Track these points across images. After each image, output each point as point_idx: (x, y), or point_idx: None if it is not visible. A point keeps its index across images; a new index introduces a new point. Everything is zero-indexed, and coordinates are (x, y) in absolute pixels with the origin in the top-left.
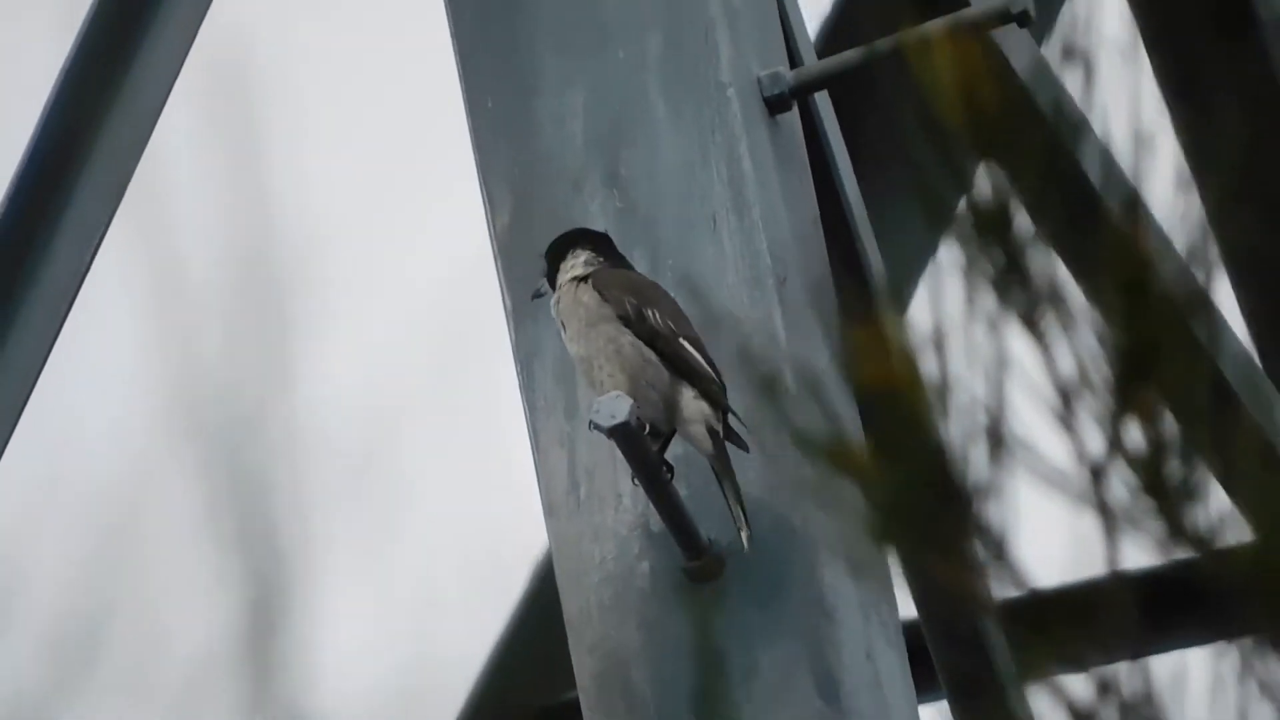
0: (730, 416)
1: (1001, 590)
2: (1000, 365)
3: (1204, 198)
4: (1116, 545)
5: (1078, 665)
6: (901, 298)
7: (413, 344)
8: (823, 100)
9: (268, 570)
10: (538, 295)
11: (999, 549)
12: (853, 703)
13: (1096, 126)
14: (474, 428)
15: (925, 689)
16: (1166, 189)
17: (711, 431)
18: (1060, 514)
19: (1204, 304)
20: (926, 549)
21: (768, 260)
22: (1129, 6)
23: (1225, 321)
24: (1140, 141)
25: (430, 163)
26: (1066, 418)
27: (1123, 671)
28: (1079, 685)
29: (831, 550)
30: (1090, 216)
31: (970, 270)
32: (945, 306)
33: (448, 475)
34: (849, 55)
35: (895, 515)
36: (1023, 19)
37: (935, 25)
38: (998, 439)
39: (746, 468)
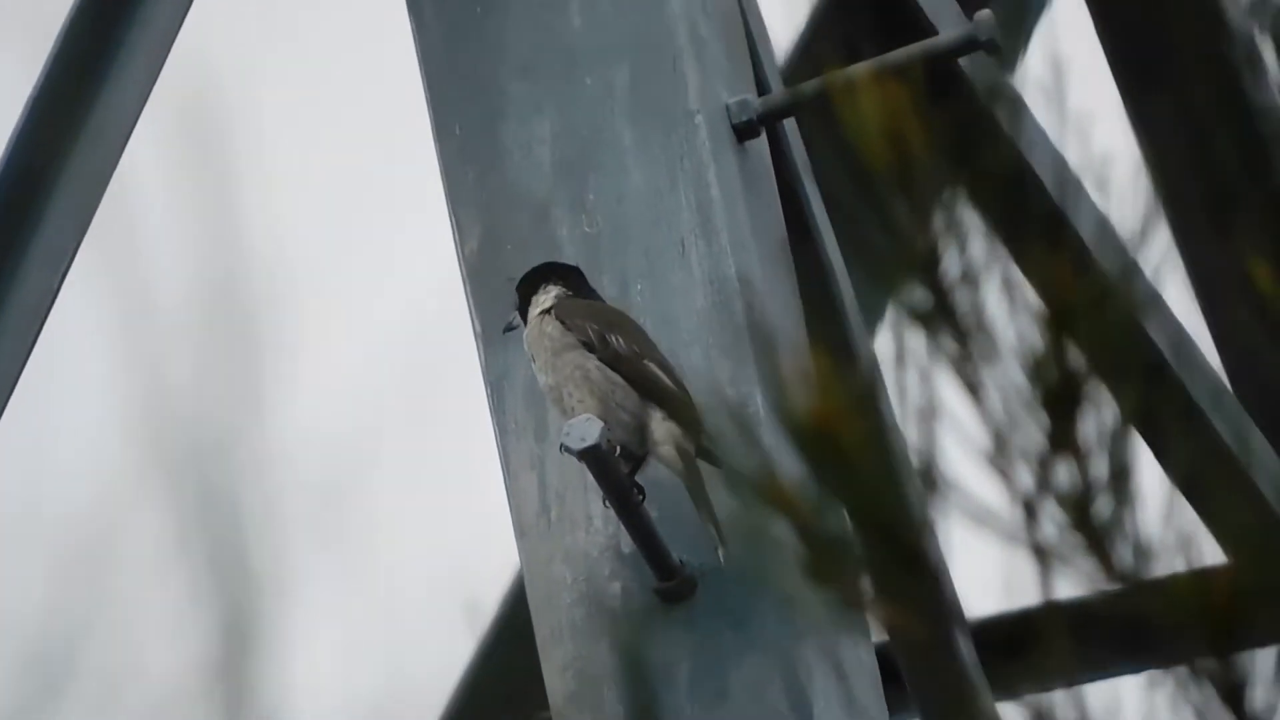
0: (705, 433)
1: (940, 625)
2: (931, 409)
3: (1162, 207)
4: (1050, 580)
5: (1013, 694)
6: (871, 323)
7: (383, 369)
8: (791, 127)
9: (239, 594)
10: (510, 328)
11: (935, 584)
12: None
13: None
14: (446, 452)
15: (898, 709)
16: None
17: (682, 451)
18: (994, 548)
19: (1138, 331)
20: (865, 588)
21: (736, 285)
22: (1095, 27)
23: (1189, 340)
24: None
25: (400, 189)
26: (998, 460)
27: (1058, 700)
28: (1015, 713)
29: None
30: (1027, 233)
31: (900, 312)
32: (879, 350)
33: (419, 499)
34: (817, 82)
35: (829, 554)
36: (990, 46)
37: (860, 68)
38: (930, 480)
39: (718, 487)
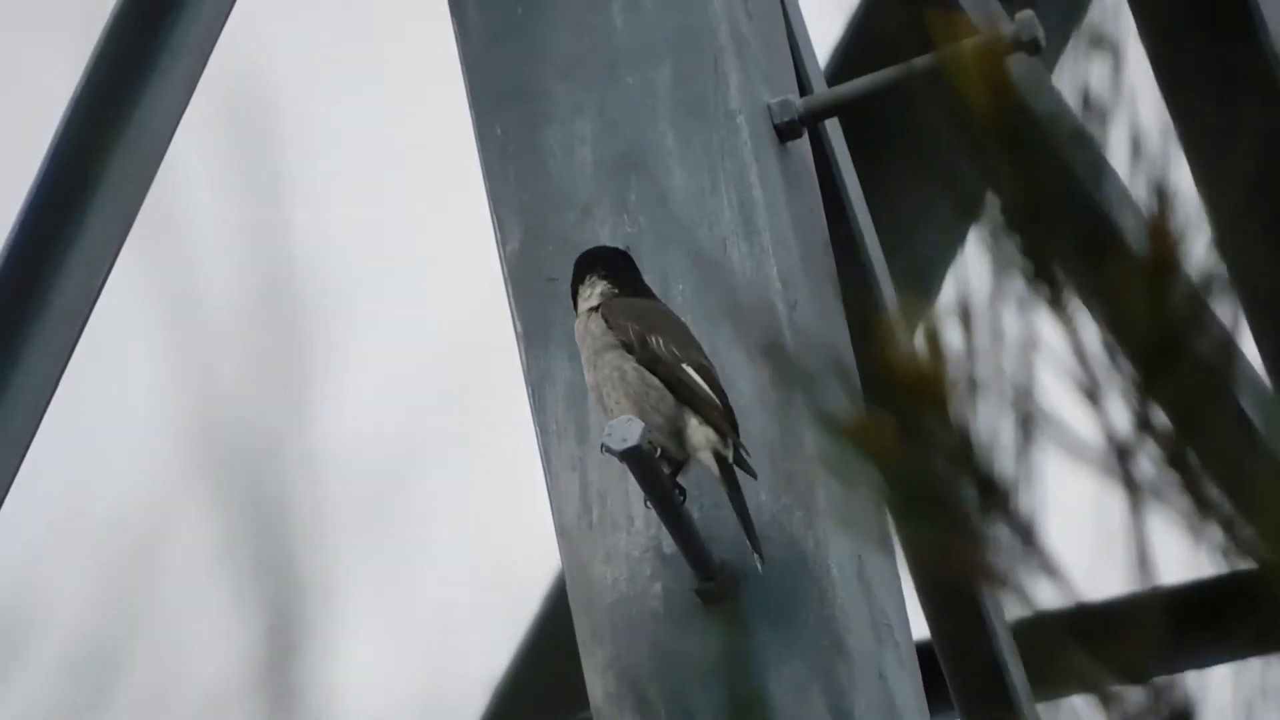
0: (739, 442)
1: (1028, 580)
2: (1028, 344)
3: (1209, 205)
4: (1143, 522)
5: (1114, 679)
6: (914, 318)
7: (430, 370)
8: (833, 127)
9: (286, 596)
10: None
11: (1027, 535)
12: None
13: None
14: (493, 454)
15: (939, 710)
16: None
17: (719, 457)
18: (1086, 500)
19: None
20: (947, 535)
21: (778, 285)
22: (1131, 14)
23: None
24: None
25: (449, 191)
26: (1094, 394)
27: (1156, 686)
28: (1115, 697)
29: (840, 571)
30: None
31: (998, 256)
32: (972, 291)
33: (466, 500)
34: (859, 82)
35: (918, 497)
36: (1033, 46)
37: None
38: (1026, 416)
39: (758, 490)
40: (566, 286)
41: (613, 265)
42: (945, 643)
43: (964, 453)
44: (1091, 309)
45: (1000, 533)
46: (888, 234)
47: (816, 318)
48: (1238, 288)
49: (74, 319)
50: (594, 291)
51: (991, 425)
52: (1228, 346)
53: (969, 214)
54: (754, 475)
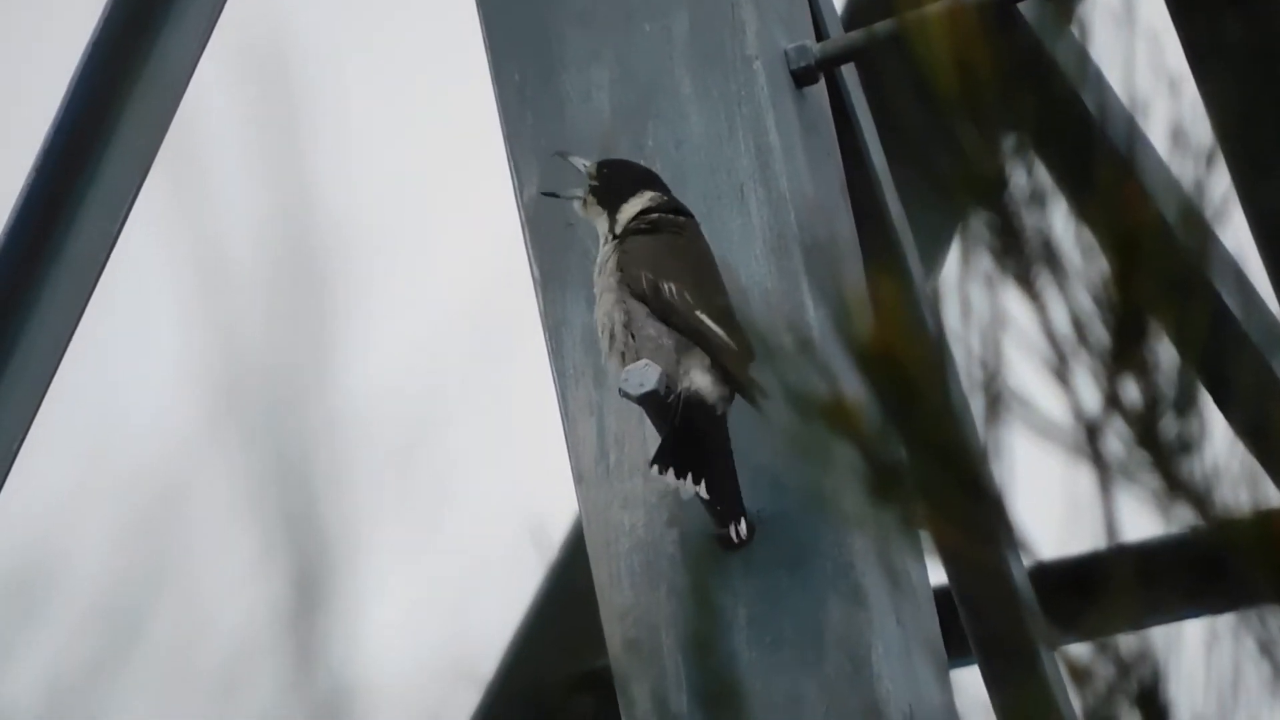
0: (753, 382)
1: (1003, 551)
2: (996, 323)
3: (1230, 160)
4: (1112, 501)
5: (1083, 635)
6: (931, 269)
7: (456, 322)
8: (849, 73)
9: (310, 550)
10: (551, 195)
11: (999, 509)
12: (883, 668)
13: (1096, 74)
14: (518, 405)
15: (957, 655)
16: (1170, 145)
17: (705, 407)
18: (1056, 476)
19: (1204, 260)
20: (925, 509)
21: (795, 230)
22: None
23: (1249, 282)
24: (1138, 102)
25: (472, 144)
26: (1062, 373)
27: (1123, 641)
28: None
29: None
30: (1089, 169)
31: (966, 232)
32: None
33: (491, 452)
34: (876, 28)
35: (892, 475)
36: None
37: (935, 6)
38: (995, 394)
39: (775, 435)
40: (584, 232)
41: (655, 182)
42: (963, 589)
43: (939, 429)
44: (1062, 283)
45: (972, 509)
46: (904, 179)
47: (834, 243)
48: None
49: (89, 268)
50: (644, 199)
51: (965, 399)
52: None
53: (938, 188)
54: (759, 409)
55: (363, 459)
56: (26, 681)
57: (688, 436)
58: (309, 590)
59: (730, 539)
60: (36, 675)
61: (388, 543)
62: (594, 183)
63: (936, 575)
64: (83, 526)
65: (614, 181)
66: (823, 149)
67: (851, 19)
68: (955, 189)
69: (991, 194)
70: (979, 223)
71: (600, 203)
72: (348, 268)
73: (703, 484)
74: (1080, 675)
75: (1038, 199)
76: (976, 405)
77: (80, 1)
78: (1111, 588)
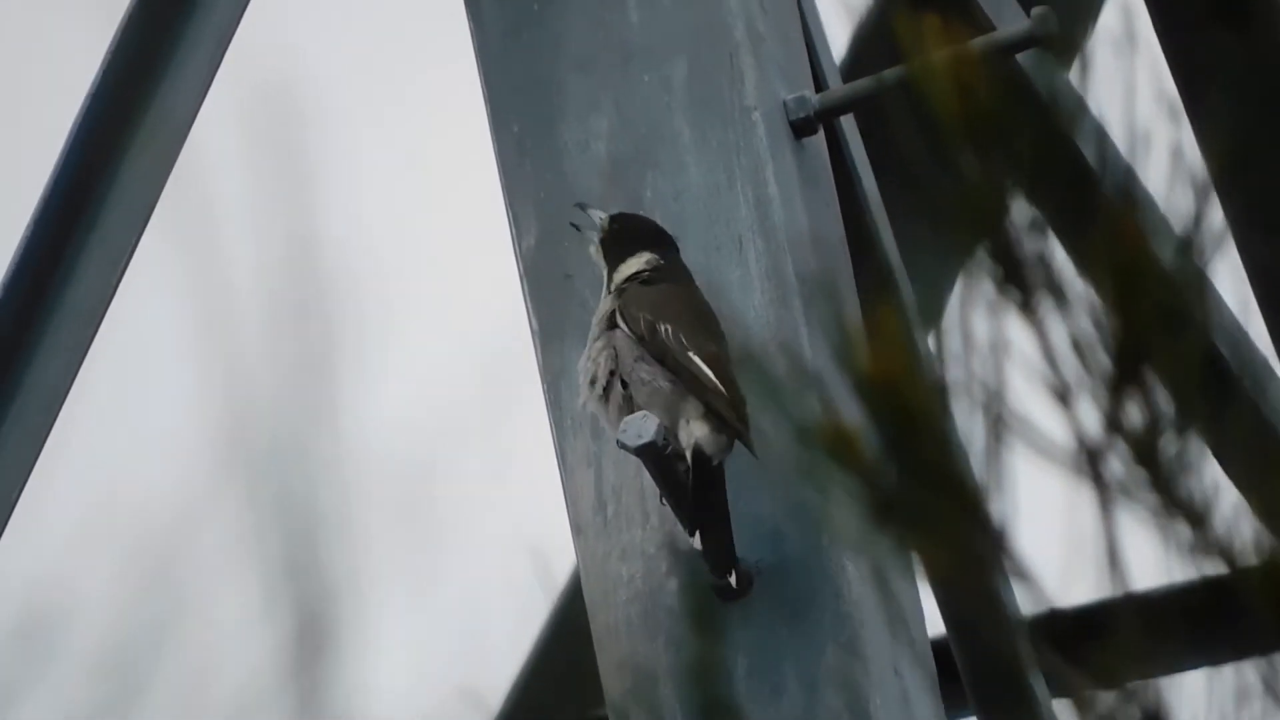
0: (743, 431)
1: (1005, 582)
2: (998, 349)
3: (1217, 188)
4: (1113, 521)
5: (1088, 683)
6: (931, 317)
7: (460, 369)
8: (848, 124)
9: (314, 592)
10: (580, 218)
11: (997, 538)
12: (881, 718)
13: (1093, 120)
14: (522, 452)
15: (954, 707)
16: (1166, 175)
17: (700, 459)
18: (1059, 510)
19: (1201, 287)
20: (929, 540)
21: (794, 281)
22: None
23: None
24: (1137, 132)
25: (479, 186)
26: (1064, 395)
27: (1129, 691)
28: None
29: (857, 564)
30: (1087, 204)
31: (967, 260)
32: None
33: (495, 498)
34: (874, 79)
35: (896, 506)
36: (1048, 42)
37: (940, 54)
38: (997, 419)
39: (773, 484)
40: (582, 283)
41: (667, 247)
42: (961, 640)
43: (939, 459)
44: (1064, 309)
45: (975, 538)
46: (902, 230)
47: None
48: (1251, 280)
49: (91, 313)
50: (640, 260)
51: (965, 429)
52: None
53: (942, 218)
54: (755, 456)
55: (367, 501)
56: None
57: (694, 490)
58: (313, 633)
59: (728, 589)
60: (46, 716)
61: (391, 586)
62: (604, 235)
63: (935, 626)
64: (88, 572)
65: (620, 237)
66: (822, 200)
67: (850, 69)
68: (957, 218)
69: (993, 223)
70: (981, 251)
71: (605, 256)
72: (352, 311)
73: (696, 535)
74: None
75: (1037, 228)
76: (978, 431)
77: (82, 47)
78: (1118, 634)
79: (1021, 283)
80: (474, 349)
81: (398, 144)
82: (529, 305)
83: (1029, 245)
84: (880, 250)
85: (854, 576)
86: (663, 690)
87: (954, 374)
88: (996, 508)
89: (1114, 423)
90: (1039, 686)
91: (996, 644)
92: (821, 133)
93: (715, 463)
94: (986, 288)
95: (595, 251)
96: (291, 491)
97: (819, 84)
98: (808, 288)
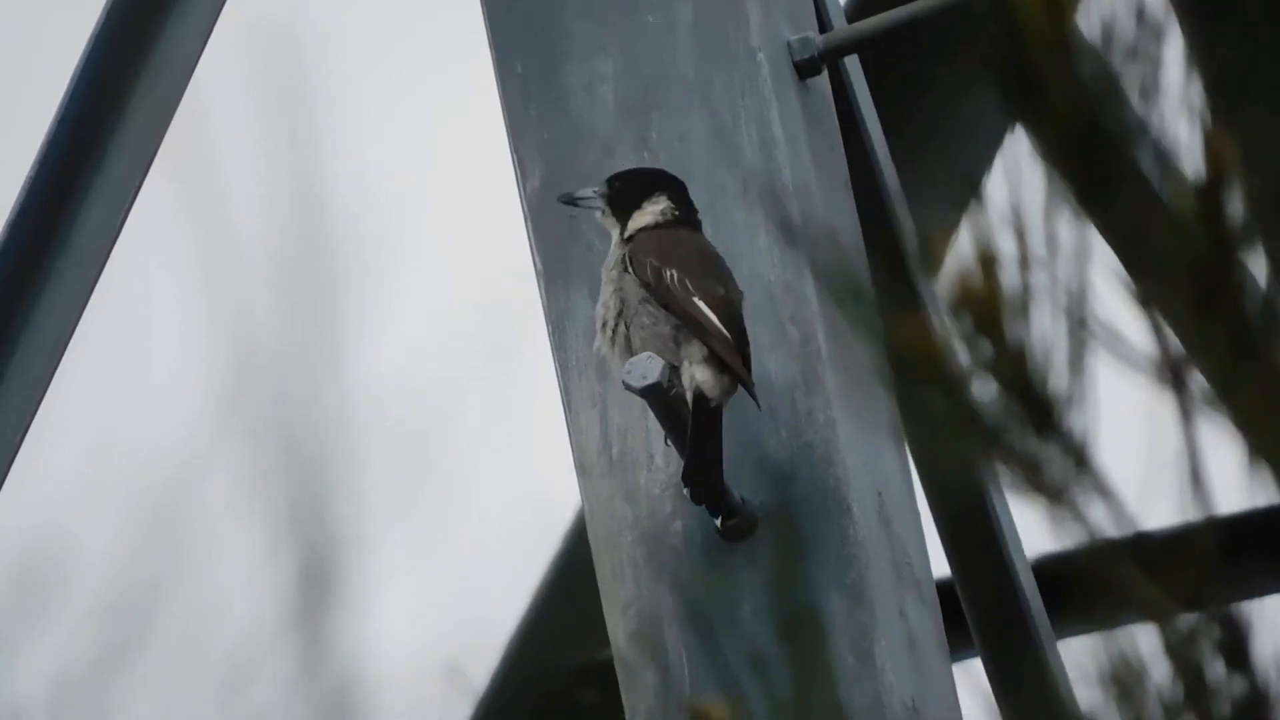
0: (745, 376)
1: (1084, 498)
2: (1081, 255)
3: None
4: (1196, 435)
5: (1170, 605)
6: (934, 260)
7: (467, 316)
8: (853, 65)
9: (318, 541)
10: (570, 201)
11: (1080, 455)
12: (885, 660)
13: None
14: (528, 399)
15: (959, 647)
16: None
17: (700, 400)
18: (1140, 418)
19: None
20: (1007, 454)
21: (799, 223)
22: None
23: None
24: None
25: (484, 134)
26: (1147, 304)
27: (1211, 613)
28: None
29: (861, 509)
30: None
31: (1052, 168)
32: (1022, 202)
33: (501, 445)
34: (879, 19)
35: (973, 415)
36: None
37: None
38: (1080, 326)
39: (779, 427)
40: (587, 226)
41: (678, 191)
42: (966, 580)
43: (1018, 370)
44: (1150, 219)
45: (1053, 453)
46: (907, 170)
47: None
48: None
49: (94, 258)
50: (656, 208)
51: (1045, 339)
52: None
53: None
54: (759, 405)
55: (371, 450)
56: (36, 673)
57: (691, 431)
58: (317, 581)
59: (733, 532)
60: (46, 666)
61: (395, 533)
62: (608, 198)
63: (939, 566)
64: (91, 518)
65: (625, 193)
66: (826, 141)
67: (855, 10)
68: (1045, 126)
69: (1080, 132)
70: (1068, 160)
71: (615, 213)
72: (357, 258)
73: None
74: (1175, 647)
75: (1125, 137)
76: (1060, 340)
77: None
78: (1193, 556)
79: (1107, 191)
80: (479, 293)
81: (402, 90)
82: (533, 247)
83: (1115, 154)
84: (884, 190)
85: (859, 517)
86: (667, 632)
87: (1037, 281)
88: (1078, 421)
89: (1198, 335)
90: (1044, 627)
91: (1003, 584)
92: (826, 74)
93: (714, 405)
94: (1070, 195)
95: (603, 217)
96: (295, 440)
97: (823, 25)
98: (812, 229)
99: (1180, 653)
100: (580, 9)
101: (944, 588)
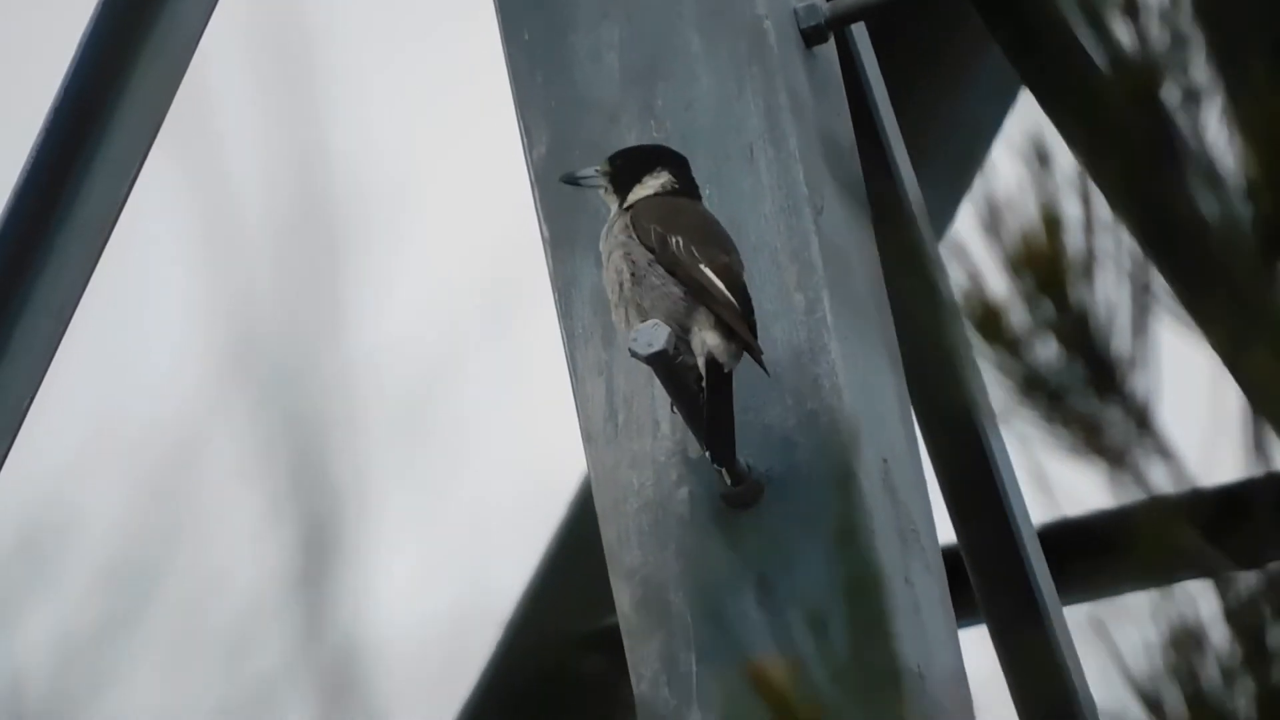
0: (752, 342)
1: (1143, 462)
2: (1145, 222)
3: None
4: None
5: (1228, 563)
6: (939, 225)
7: (467, 281)
8: (859, 32)
9: (321, 506)
10: (573, 181)
11: (1143, 418)
12: (892, 627)
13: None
14: (530, 364)
15: (964, 615)
16: None
17: (713, 365)
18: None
19: None
20: (1069, 415)
21: (804, 190)
22: None
23: None
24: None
25: (487, 101)
26: (1211, 273)
27: (1270, 572)
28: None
29: (866, 476)
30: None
31: (1117, 139)
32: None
33: (502, 411)
34: None
35: (1037, 377)
36: None
37: None
38: (1144, 288)
39: (784, 394)
40: (593, 192)
41: (679, 165)
42: (972, 548)
43: (1080, 331)
44: (1214, 184)
45: (1115, 415)
46: (913, 139)
47: (842, 223)
48: None
49: (99, 227)
50: (657, 181)
51: (1108, 301)
52: None
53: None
54: (767, 373)
55: (373, 417)
56: (38, 637)
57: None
58: (320, 547)
59: (739, 499)
60: (48, 631)
61: (399, 500)
62: (610, 175)
63: (945, 534)
64: (94, 485)
65: (627, 170)
66: (832, 109)
67: None
68: (1112, 91)
69: (1148, 96)
70: (1133, 126)
71: (617, 191)
72: (359, 225)
73: (706, 443)
74: (1235, 603)
75: (1193, 99)
76: (1124, 303)
77: None
78: (1253, 514)
79: (1174, 158)
80: (481, 263)
81: (404, 55)
82: (540, 214)
83: (1183, 117)
84: (890, 157)
85: (865, 485)
86: (673, 598)
87: (1100, 245)
88: (1140, 383)
89: (1259, 297)
90: (1049, 594)
91: (1009, 552)
92: (832, 41)
93: (725, 370)
94: (1134, 162)
95: (606, 194)
96: (298, 405)
97: None
98: (817, 196)
99: (1239, 614)
100: None
101: (950, 555)
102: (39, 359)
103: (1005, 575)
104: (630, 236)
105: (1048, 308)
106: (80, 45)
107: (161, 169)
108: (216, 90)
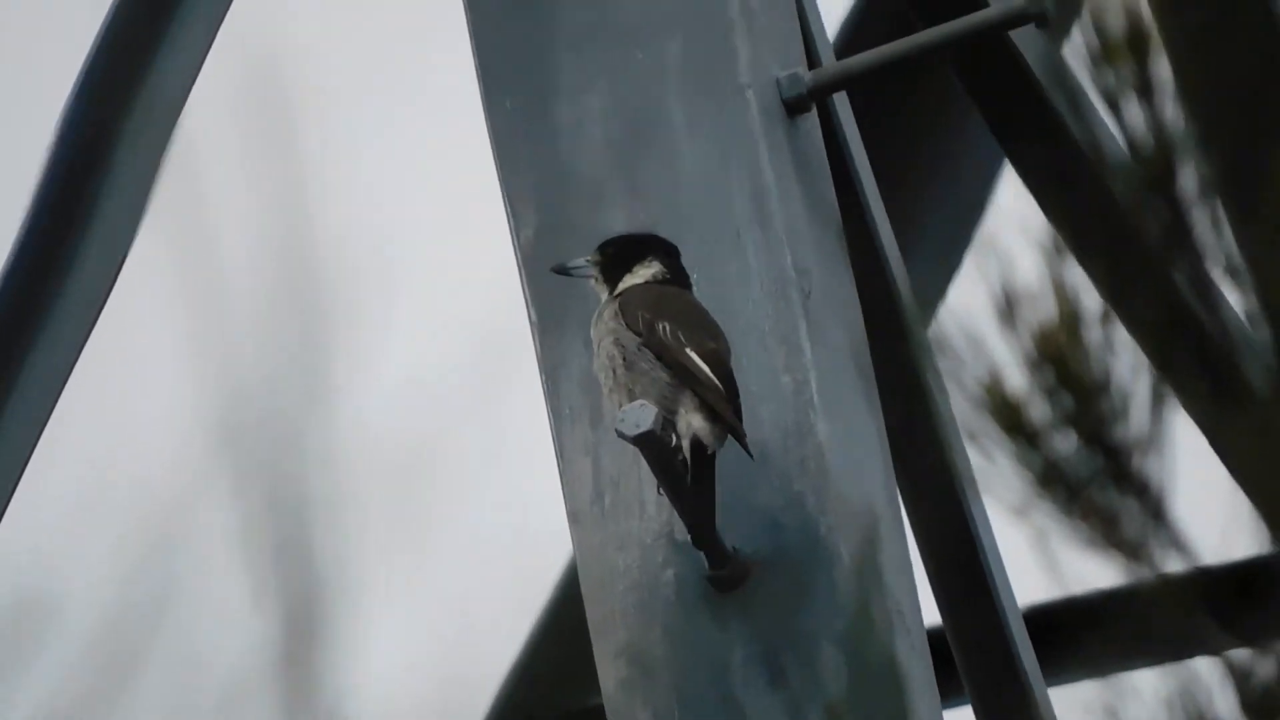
0: (737, 425)
1: (1161, 551)
2: (1168, 324)
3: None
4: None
5: (1238, 644)
6: (922, 295)
7: (455, 357)
8: (841, 101)
9: (306, 583)
10: (564, 271)
11: (1157, 508)
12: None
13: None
14: (516, 442)
15: (950, 696)
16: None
17: (698, 448)
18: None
19: None
20: (1083, 506)
21: (792, 274)
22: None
23: None
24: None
25: (476, 173)
26: (1232, 360)
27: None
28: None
29: (850, 555)
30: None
31: (1137, 220)
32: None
33: (488, 488)
34: (868, 55)
35: (1055, 469)
36: (1040, 20)
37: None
38: (1160, 381)
39: (770, 476)
40: (584, 277)
41: (670, 256)
42: (957, 629)
43: (1098, 424)
44: (1231, 275)
45: (1130, 506)
46: (895, 209)
47: (831, 304)
48: None
49: (91, 302)
50: (648, 271)
51: (1126, 387)
52: None
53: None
54: (751, 455)
55: (360, 493)
56: (24, 712)
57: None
58: (305, 624)
59: (725, 581)
60: (34, 706)
61: (384, 572)
62: (601, 265)
63: (930, 615)
64: (81, 559)
65: (618, 259)
66: (816, 181)
67: (844, 47)
68: (1124, 178)
69: (1161, 184)
70: (1149, 216)
71: (607, 279)
72: (346, 301)
73: (689, 525)
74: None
75: (1207, 190)
76: (1141, 389)
77: (74, 29)
78: (1262, 595)
79: (1189, 248)
80: (469, 333)
81: (393, 124)
82: (528, 296)
83: (1197, 209)
84: (872, 226)
85: (849, 569)
86: (659, 680)
87: (1118, 335)
88: (1155, 470)
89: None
90: (1034, 675)
91: (994, 633)
92: (815, 111)
93: (710, 453)
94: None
95: (596, 283)
96: (284, 476)
97: (812, 61)
98: (805, 279)
99: (1245, 688)
100: (569, 44)
101: (935, 636)
102: (30, 432)
103: (990, 656)
104: (620, 323)
105: (1067, 400)
106: (65, 113)
107: (149, 245)
108: (203, 165)
